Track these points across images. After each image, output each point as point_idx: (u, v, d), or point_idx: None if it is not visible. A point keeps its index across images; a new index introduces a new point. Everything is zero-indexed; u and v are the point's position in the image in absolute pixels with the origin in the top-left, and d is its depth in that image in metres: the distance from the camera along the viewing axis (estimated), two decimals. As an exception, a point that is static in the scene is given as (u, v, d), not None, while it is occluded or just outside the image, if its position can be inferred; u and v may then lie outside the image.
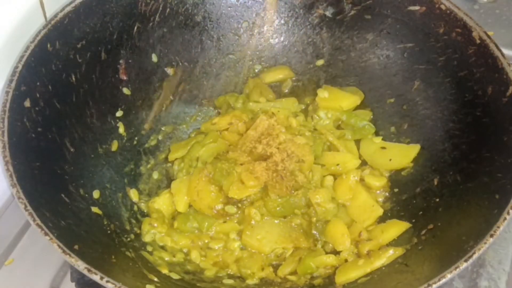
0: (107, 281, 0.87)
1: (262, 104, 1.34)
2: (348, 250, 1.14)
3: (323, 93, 1.33)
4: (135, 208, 1.21)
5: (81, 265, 0.88)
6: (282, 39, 1.39)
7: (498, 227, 0.92)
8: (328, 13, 1.34)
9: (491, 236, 0.91)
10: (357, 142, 1.30)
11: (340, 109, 1.32)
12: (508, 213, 0.93)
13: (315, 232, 1.17)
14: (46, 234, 0.90)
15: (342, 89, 1.36)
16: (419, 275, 0.98)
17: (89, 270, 0.88)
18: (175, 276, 1.09)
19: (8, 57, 1.10)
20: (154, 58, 1.31)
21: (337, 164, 1.24)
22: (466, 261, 0.90)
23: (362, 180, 1.23)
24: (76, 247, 0.93)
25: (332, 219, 1.18)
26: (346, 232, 1.15)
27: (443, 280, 0.88)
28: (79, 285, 1.11)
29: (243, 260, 1.15)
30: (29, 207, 0.92)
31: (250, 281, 1.12)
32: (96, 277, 0.88)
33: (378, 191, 1.24)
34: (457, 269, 0.89)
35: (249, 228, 1.17)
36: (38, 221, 0.91)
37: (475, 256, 0.90)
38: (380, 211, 1.18)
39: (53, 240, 0.90)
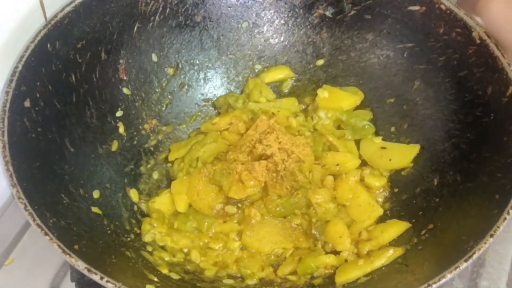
0: (107, 281, 0.87)
1: (262, 104, 1.34)
2: (348, 250, 1.14)
3: (323, 93, 1.33)
4: (135, 208, 1.21)
5: (81, 265, 0.88)
6: (282, 39, 1.39)
7: (498, 227, 0.92)
8: (328, 13, 1.34)
9: (491, 236, 0.91)
10: (357, 142, 1.31)
11: (340, 109, 1.32)
12: (508, 213, 0.93)
13: (315, 232, 1.17)
14: (46, 234, 0.90)
15: (342, 89, 1.35)
16: (419, 275, 0.98)
17: (89, 270, 0.88)
18: (175, 276, 1.09)
19: (8, 57, 1.09)
20: (154, 58, 1.31)
21: (337, 164, 1.23)
22: (466, 261, 0.90)
23: (362, 180, 1.23)
24: (76, 247, 0.93)
25: (332, 219, 1.18)
26: (346, 232, 1.15)
27: (443, 280, 0.88)
28: (79, 285, 1.11)
29: (243, 260, 1.15)
30: (29, 207, 0.92)
31: (250, 281, 1.12)
32: (96, 277, 0.88)
33: (378, 191, 1.24)
34: (457, 269, 0.89)
35: (249, 228, 1.17)
36: (38, 221, 0.91)
37: (475, 256, 0.90)
38: (380, 211, 1.18)
39: (53, 240, 0.90)
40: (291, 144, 1.20)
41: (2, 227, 1.24)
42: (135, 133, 1.29)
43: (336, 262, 1.13)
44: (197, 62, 1.37)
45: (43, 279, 1.16)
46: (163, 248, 1.16)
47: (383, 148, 1.28)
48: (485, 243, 0.91)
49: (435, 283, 0.88)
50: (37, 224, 0.91)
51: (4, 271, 1.17)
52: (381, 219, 1.19)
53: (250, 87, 1.37)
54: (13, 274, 1.17)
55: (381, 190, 1.24)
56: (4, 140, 0.98)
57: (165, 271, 1.09)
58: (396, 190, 1.24)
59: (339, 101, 1.33)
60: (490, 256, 1.18)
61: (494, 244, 0.90)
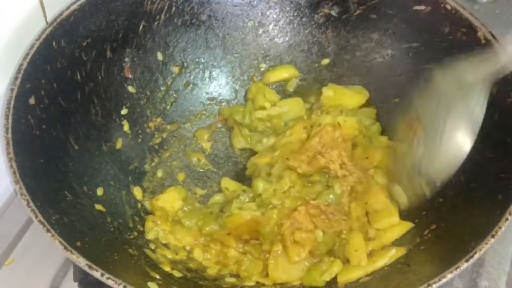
0: (108, 278, 0.88)
1: (268, 111, 1.32)
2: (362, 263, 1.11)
3: (328, 92, 1.32)
4: (139, 205, 1.22)
5: (82, 262, 0.88)
6: (287, 38, 1.39)
7: (500, 227, 0.92)
8: (334, 12, 1.34)
9: (493, 236, 0.91)
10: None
11: (345, 108, 1.31)
12: (510, 214, 0.93)
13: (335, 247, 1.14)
14: (48, 230, 0.91)
15: (347, 88, 1.34)
16: (420, 275, 0.98)
17: (90, 267, 0.88)
18: (177, 274, 1.09)
19: (12, 55, 1.10)
20: (159, 56, 1.31)
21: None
22: (467, 261, 0.90)
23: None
24: (78, 244, 0.94)
25: (355, 232, 1.13)
26: (363, 247, 1.11)
27: (444, 280, 0.88)
28: (82, 284, 1.11)
29: (244, 263, 1.14)
30: (31, 204, 0.93)
31: (249, 282, 1.12)
32: (97, 273, 0.88)
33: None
34: (458, 269, 0.89)
35: (274, 260, 1.12)
36: (41, 218, 0.92)
37: (476, 257, 0.90)
38: (395, 220, 1.14)
39: (55, 237, 0.90)
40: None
41: (2, 227, 1.24)
42: (139, 131, 1.30)
43: (341, 266, 1.11)
44: (202, 60, 1.37)
45: (44, 279, 1.16)
46: (166, 246, 1.16)
47: (389, 147, 1.27)
48: (486, 243, 0.90)
49: (435, 283, 0.88)
50: (40, 221, 0.91)
51: (4, 271, 1.17)
52: (385, 219, 1.18)
53: (253, 92, 1.35)
54: (13, 274, 1.17)
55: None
56: (8, 137, 0.99)
57: (167, 268, 1.09)
58: (399, 190, 1.23)
59: (344, 99, 1.32)
60: (490, 256, 1.17)
61: (494, 243, 0.90)
